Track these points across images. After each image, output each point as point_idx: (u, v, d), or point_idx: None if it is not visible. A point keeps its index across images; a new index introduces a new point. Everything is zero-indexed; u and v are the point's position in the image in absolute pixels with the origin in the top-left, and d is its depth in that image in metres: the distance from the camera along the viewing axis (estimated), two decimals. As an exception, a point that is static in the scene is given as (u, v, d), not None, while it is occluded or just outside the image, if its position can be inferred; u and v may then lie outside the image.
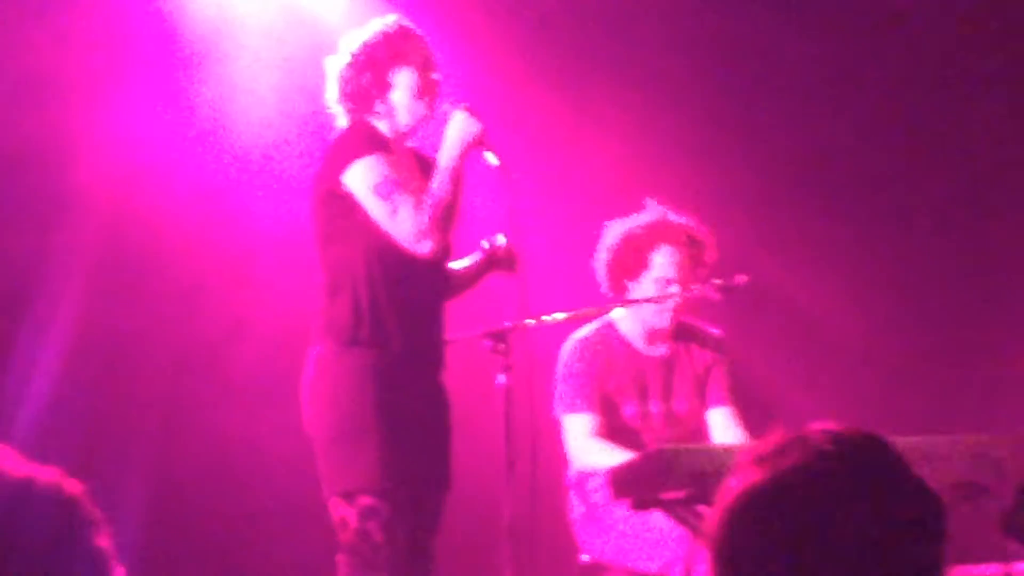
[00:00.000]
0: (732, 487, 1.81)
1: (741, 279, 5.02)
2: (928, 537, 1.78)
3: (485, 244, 4.75)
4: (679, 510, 4.49)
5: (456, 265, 4.74)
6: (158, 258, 6.31)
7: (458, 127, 4.52)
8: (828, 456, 1.78)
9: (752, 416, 5.30)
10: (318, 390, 4.50)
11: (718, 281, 5.08)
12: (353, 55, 4.62)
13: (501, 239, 4.72)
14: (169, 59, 6.31)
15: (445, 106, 4.60)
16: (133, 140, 6.22)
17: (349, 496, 4.38)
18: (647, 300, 5.23)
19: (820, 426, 1.83)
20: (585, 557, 5.27)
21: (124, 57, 6.24)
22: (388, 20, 4.69)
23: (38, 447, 6.04)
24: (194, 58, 6.32)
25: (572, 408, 5.22)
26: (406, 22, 4.69)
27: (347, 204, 4.48)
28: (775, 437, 1.83)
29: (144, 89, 6.26)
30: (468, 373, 4.80)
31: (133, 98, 6.24)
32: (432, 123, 4.66)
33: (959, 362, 6.67)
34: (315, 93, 4.86)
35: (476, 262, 4.75)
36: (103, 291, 6.20)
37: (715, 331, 5.45)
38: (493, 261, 4.73)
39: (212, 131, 6.36)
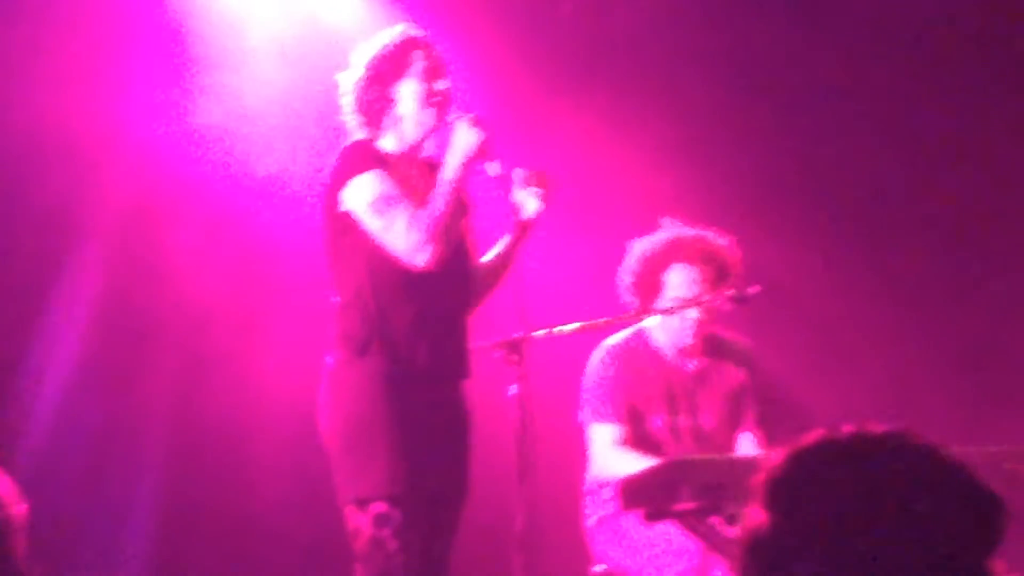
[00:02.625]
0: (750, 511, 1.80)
1: (754, 289, 5.02)
2: (973, 538, 1.76)
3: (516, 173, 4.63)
4: (691, 521, 4.49)
5: (487, 256, 4.72)
6: (169, 264, 6.31)
7: (461, 138, 4.52)
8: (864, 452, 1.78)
9: (769, 423, 5.30)
10: (330, 400, 4.52)
11: (731, 292, 5.08)
12: (367, 65, 4.63)
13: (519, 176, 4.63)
14: (177, 64, 6.31)
15: (452, 116, 4.59)
16: (145, 145, 6.22)
17: (362, 504, 4.39)
18: (660, 312, 5.22)
19: (850, 427, 1.82)
20: (599, 567, 5.27)
21: (134, 63, 6.24)
22: (394, 32, 4.68)
23: (47, 463, 6.10)
24: (203, 64, 6.32)
25: (599, 417, 5.22)
26: (413, 31, 4.68)
27: (349, 221, 4.51)
28: (810, 436, 1.81)
29: (153, 95, 6.26)
30: (481, 383, 4.79)
31: (143, 103, 6.24)
32: (445, 132, 4.65)
33: (973, 372, 6.65)
34: (325, 100, 4.86)
35: (509, 237, 4.71)
36: (113, 295, 6.20)
37: (743, 342, 5.43)
38: (525, 225, 4.67)
39: (221, 135, 6.35)
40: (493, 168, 4.55)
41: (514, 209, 4.64)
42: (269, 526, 6.33)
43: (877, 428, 1.81)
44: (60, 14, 6.15)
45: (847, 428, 1.81)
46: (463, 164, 4.51)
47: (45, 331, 6.14)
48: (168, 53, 6.30)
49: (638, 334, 5.35)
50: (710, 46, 6.75)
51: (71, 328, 6.11)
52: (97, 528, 6.25)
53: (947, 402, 6.40)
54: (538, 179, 4.60)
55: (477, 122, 4.53)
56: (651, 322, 5.34)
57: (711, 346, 5.35)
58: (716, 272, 5.22)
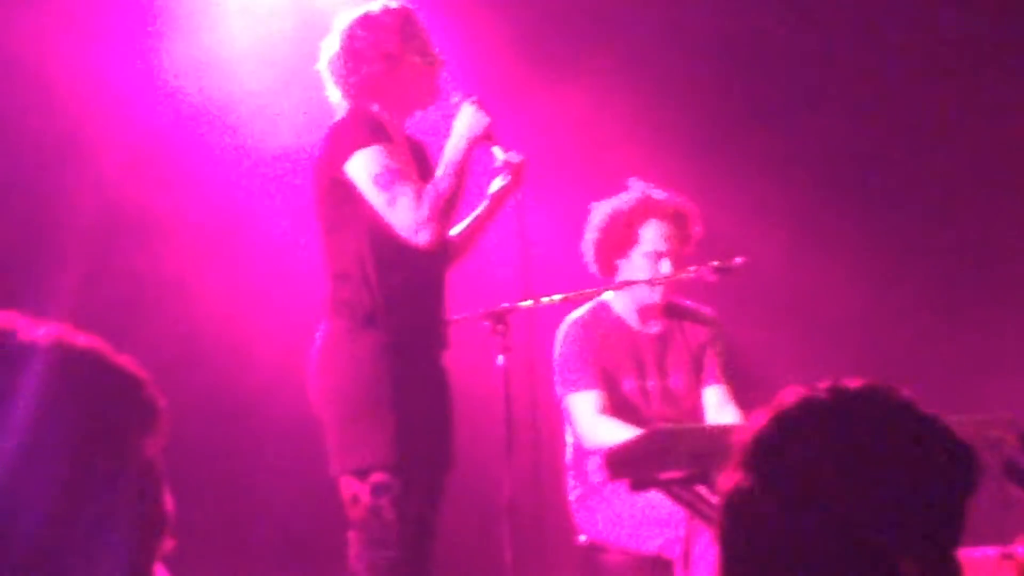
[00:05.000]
0: (744, 441, 1.84)
1: (738, 260, 5.05)
2: (950, 484, 1.82)
3: (499, 155, 4.63)
4: (677, 490, 4.52)
5: (456, 229, 4.71)
6: (153, 244, 6.29)
7: (466, 120, 4.52)
8: (840, 406, 1.82)
9: (747, 394, 5.32)
10: (329, 369, 4.49)
11: (715, 263, 5.11)
12: (358, 39, 4.58)
13: (499, 155, 4.64)
14: (150, 27, 6.26)
15: (454, 98, 4.59)
16: (127, 110, 6.18)
17: (362, 473, 4.39)
18: (646, 282, 5.25)
19: (826, 383, 1.87)
20: (583, 538, 5.30)
21: (107, 29, 6.20)
22: (393, 5, 4.64)
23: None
24: (178, 28, 6.28)
25: (576, 386, 5.24)
26: (411, 8, 4.66)
27: (350, 191, 4.47)
28: (788, 394, 1.86)
29: (134, 58, 6.22)
30: (467, 354, 4.80)
31: (124, 67, 6.19)
32: (436, 112, 4.65)
33: (956, 342, 6.69)
34: (304, 72, 4.83)
35: (482, 209, 4.74)
36: (98, 275, 6.17)
37: (707, 310, 5.49)
38: (500, 195, 4.70)
39: (205, 105, 6.33)
40: (498, 152, 4.57)
41: (503, 182, 4.68)
42: (259, 497, 6.33)
43: (853, 383, 1.85)
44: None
45: (824, 384, 1.86)
46: (468, 146, 4.51)
47: (29, 307, 6.09)
48: (138, 17, 6.26)
49: (600, 306, 5.41)
50: (702, 22, 6.77)
51: (56, 302, 6.08)
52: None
53: (932, 370, 6.43)
54: (516, 165, 4.63)
55: (483, 105, 4.53)
56: (609, 295, 5.38)
57: (672, 309, 5.42)
58: (683, 231, 5.32)
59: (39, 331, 1.87)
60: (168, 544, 1.87)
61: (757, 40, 6.76)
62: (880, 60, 6.83)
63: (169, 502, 1.88)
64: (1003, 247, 6.81)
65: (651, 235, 5.30)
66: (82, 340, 1.88)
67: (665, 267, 5.28)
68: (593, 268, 5.41)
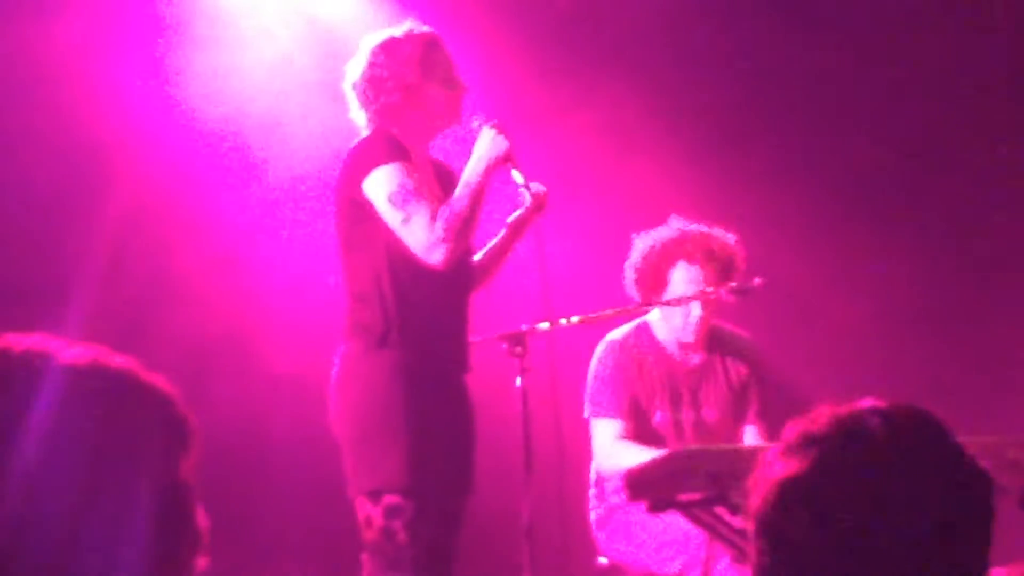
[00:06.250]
0: (780, 463, 1.83)
1: (757, 282, 5.04)
2: (978, 513, 1.81)
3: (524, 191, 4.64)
4: (697, 511, 4.51)
5: (479, 254, 4.73)
6: (169, 254, 6.31)
7: (486, 144, 4.52)
8: (879, 433, 1.80)
9: (774, 415, 5.32)
10: (346, 390, 4.51)
11: (733, 284, 5.10)
12: (379, 66, 4.60)
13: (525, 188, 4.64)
14: (170, 46, 6.30)
15: (475, 121, 4.60)
16: (141, 134, 6.21)
17: (375, 495, 4.39)
18: (664, 304, 5.24)
19: (868, 403, 1.85)
20: (603, 559, 5.29)
21: (130, 49, 6.23)
22: (417, 30, 4.65)
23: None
24: (198, 47, 6.31)
25: (601, 412, 5.24)
26: (433, 33, 4.68)
27: (368, 211, 4.48)
28: (823, 414, 1.84)
29: (146, 77, 6.26)
30: (486, 375, 4.81)
31: (136, 87, 6.22)
32: (458, 134, 4.67)
33: (972, 362, 6.67)
34: (320, 93, 4.85)
35: (503, 235, 4.75)
36: (113, 291, 6.19)
37: (745, 336, 5.45)
38: (521, 222, 4.71)
39: (219, 126, 6.35)
40: (517, 175, 4.57)
41: (523, 206, 4.68)
42: (273, 515, 6.33)
43: (881, 404, 1.84)
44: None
45: (858, 408, 1.84)
46: (487, 169, 4.51)
47: (44, 326, 6.10)
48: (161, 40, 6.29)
49: (641, 328, 5.37)
50: (710, 40, 6.78)
51: (70, 320, 6.09)
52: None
53: (943, 383, 6.42)
54: (538, 195, 4.63)
55: (503, 129, 4.54)
56: (653, 316, 5.36)
57: (713, 340, 5.37)
58: (719, 270, 5.23)
59: (74, 352, 1.88)
60: (202, 563, 1.88)
61: (767, 56, 6.77)
62: (892, 73, 6.83)
63: (203, 520, 1.88)
64: (1017, 261, 6.80)
65: (680, 278, 5.25)
66: (117, 360, 1.89)
67: (696, 310, 5.25)
68: (637, 299, 5.37)
